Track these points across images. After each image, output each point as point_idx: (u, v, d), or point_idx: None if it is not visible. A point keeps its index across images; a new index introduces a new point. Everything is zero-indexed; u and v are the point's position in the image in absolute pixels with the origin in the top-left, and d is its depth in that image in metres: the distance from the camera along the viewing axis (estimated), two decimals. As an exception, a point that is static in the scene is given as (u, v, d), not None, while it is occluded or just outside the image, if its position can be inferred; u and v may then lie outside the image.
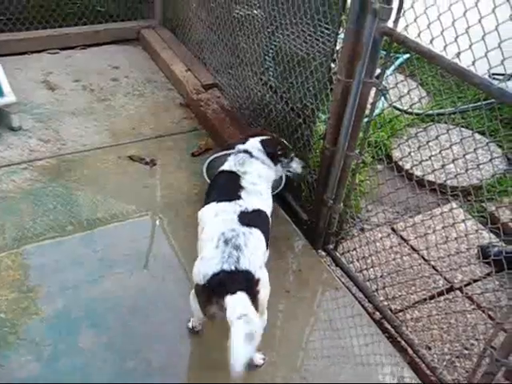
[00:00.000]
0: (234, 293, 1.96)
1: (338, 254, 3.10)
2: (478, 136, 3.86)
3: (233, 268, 2.06)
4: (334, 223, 3.01)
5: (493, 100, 3.59)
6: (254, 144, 2.73)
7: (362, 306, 2.83)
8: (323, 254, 3.13)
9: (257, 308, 2.03)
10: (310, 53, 3.00)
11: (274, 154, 2.74)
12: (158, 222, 3.22)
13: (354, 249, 3.03)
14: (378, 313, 2.81)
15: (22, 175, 3.42)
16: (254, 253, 2.17)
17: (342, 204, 2.91)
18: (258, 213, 2.46)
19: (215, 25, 4.16)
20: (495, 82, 1.91)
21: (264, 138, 2.78)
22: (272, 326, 2.64)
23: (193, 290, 2.28)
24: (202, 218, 2.47)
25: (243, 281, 2.05)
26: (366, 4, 2.35)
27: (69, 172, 3.49)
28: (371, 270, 2.91)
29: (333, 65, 2.82)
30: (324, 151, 2.85)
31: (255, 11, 3.56)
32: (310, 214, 3.16)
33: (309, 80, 3.04)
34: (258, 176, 2.62)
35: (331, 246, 3.12)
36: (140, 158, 3.67)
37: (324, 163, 2.87)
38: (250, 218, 2.34)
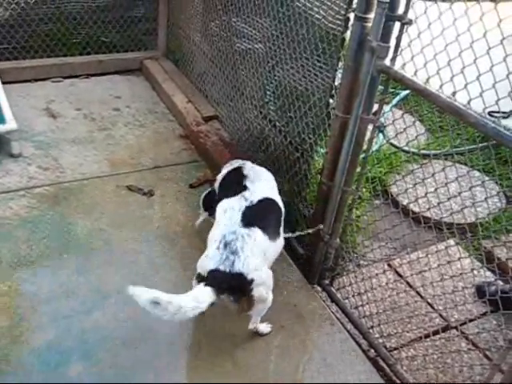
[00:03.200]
0: (222, 292, 2.30)
1: (333, 289, 3.07)
2: (477, 173, 3.87)
3: (227, 270, 2.34)
4: (330, 258, 3.00)
5: (487, 143, 3.63)
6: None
7: (357, 342, 2.80)
8: (319, 289, 3.11)
9: (252, 304, 2.43)
10: (309, 88, 3.03)
11: None
12: (153, 253, 3.19)
13: (350, 284, 3.01)
14: (372, 350, 2.77)
15: (19, 202, 3.42)
16: (250, 255, 2.39)
17: (338, 239, 2.90)
18: (265, 204, 2.68)
19: (217, 58, 4.22)
20: (490, 121, 1.92)
21: None
22: (265, 360, 2.61)
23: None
24: (217, 214, 2.68)
25: (236, 282, 2.34)
26: (364, 42, 2.38)
27: (66, 200, 3.49)
28: (367, 306, 2.88)
29: (331, 100, 2.84)
30: (321, 186, 2.85)
31: (256, 45, 3.62)
32: (306, 249, 3.15)
33: (307, 114, 3.06)
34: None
35: (327, 281, 3.10)
36: (138, 188, 3.68)
37: (321, 198, 2.87)
38: (254, 214, 2.57)
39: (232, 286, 2.33)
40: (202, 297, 2.25)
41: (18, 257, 3.01)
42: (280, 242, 2.74)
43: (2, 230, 3.18)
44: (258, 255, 2.44)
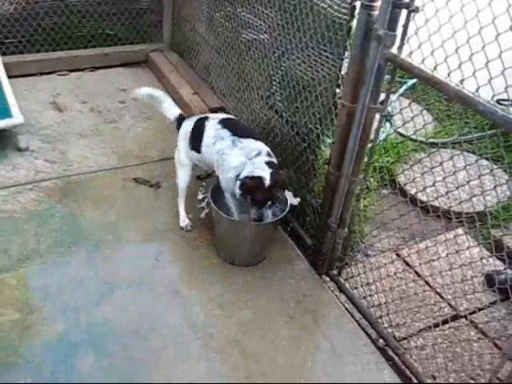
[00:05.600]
0: None
1: (341, 279, 3.07)
2: (485, 162, 3.84)
3: None
4: (338, 248, 2.99)
5: (495, 130, 3.60)
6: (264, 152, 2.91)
7: (366, 332, 2.80)
8: (327, 279, 3.11)
9: None
10: (316, 77, 3.01)
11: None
12: (161, 246, 3.20)
13: (358, 274, 3.00)
14: (381, 340, 2.77)
15: (27, 196, 3.43)
16: None
17: (346, 229, 2.89)
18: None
19: (222, 49, 4.20)
20: (499, 109, 1.90)
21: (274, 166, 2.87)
22: (274, 350, 2.62)
23: None
24: None
25: None
26: (370, 30, 2.36)
27: (74, 193, 3.50)
28: (375, 296, 2.88)
29: (338, 90, 2.82)
30: (328, 176, 2.84)
31: (262, 36, 3.59)
32: (314, 239, 3.15)
33: (314, 104, 3.05)
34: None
35: (335, 272, 3.10)
36: (145, 180, 3.68)
37: (328, 188, 2.86)
38: None
39: None
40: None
41: (27, 250, 3.02)
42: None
43: (11, 223, 3.19)
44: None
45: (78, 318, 2.68)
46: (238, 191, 2.82)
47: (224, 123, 3.07)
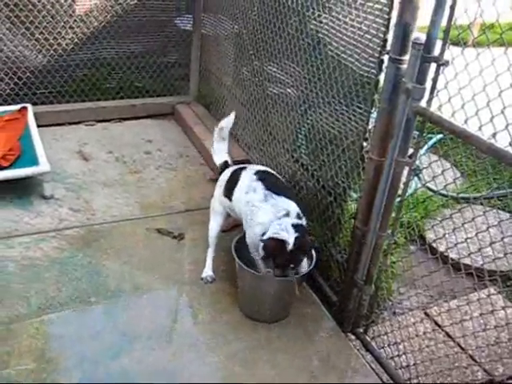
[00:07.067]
0: None
1: (368, 338, 2.95)
2: (513, 218, 3.75)
3: None
4: (365, 305, 2.89)
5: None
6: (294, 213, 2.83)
7: (394, 395, 2.67)
8: (352, 337, 2.99)
9: None
10: (342, 131, 2.99)
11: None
12: (183, 298, 3.14)
13: (386, 333, 2.88)
14: (410, 404, 2.63)
15: (49, 243, 3.41)
16: None
17: (373, 285, 2.80)
18: None
19: (249, 102, 4.24)
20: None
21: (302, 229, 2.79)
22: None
23: None
24: None
25: None
26: (399, 84, 2.35)
27: (97, 242, 3.47)
28: (403, 356, 2.75)
29: (365, 143, 2.80)
30: (355, 231, 2.78)
31: (288, 90, 3.62)
32: (339, 296, 3.05)
33: (340, 158, 3.02)
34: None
35: (361, 330, 2.98)
36: (168, 231, 3.65)
37: (355, 243, 2.79)
38: None
39: None
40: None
41: (47, 298, 2.98)
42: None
43: (32, 271, 3.17)
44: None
45: (95, 369, 2.60)
46: (260, 252, 2.77)
47: (259, 175, 3.04)
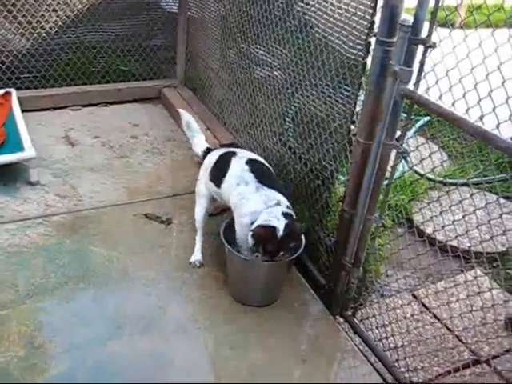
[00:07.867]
0: None
1: (356, 320, 2.97)
2: (502, 200, 3.76)
3: None
4: (353, 288, 2.90)
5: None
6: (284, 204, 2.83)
7: (382, 376, 2.68)
8: (341, 320, 3.00)
9: None
10: (330, 114, 2.98)
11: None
12: (171, 283, 3.13)
13: (374, 316, 2.90)
14: (398, 385, 2.66)
15: (36, 230, 3.39)
16: None
17: (361, 268, 2.81)
18: None
19: (235, 85, 4.21)
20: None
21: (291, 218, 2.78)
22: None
23: None
24: None
25: None
26: (386, 66, 2.34)
27: (84, 228, 3.45)
28: (391, 338, 2.77)
29: (352, 126, 2.79)
30: (343, 214, 2.78)
31: (275, 72, 3.59)
32: (327, 279, 3.06)
33: (328, 141, 3.01)
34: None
35: (349, 312, 3.00)
36: (156, 216, 3.63)
37: (343, 226, 2.79)
38: None
39: None
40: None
41: (35, 285, 2.96)
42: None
43: (19, 258, 3.14)
44: None
45: (84, 356, 2.59)
46: (250, 241, 2.75)
47: (251, 166, 3.00)
